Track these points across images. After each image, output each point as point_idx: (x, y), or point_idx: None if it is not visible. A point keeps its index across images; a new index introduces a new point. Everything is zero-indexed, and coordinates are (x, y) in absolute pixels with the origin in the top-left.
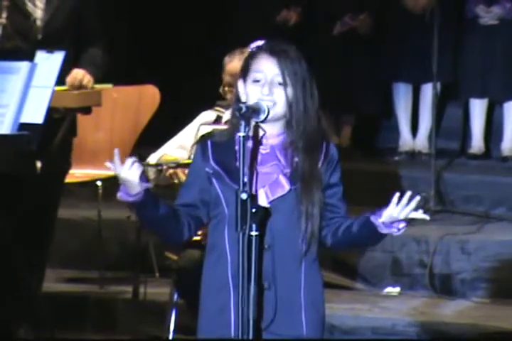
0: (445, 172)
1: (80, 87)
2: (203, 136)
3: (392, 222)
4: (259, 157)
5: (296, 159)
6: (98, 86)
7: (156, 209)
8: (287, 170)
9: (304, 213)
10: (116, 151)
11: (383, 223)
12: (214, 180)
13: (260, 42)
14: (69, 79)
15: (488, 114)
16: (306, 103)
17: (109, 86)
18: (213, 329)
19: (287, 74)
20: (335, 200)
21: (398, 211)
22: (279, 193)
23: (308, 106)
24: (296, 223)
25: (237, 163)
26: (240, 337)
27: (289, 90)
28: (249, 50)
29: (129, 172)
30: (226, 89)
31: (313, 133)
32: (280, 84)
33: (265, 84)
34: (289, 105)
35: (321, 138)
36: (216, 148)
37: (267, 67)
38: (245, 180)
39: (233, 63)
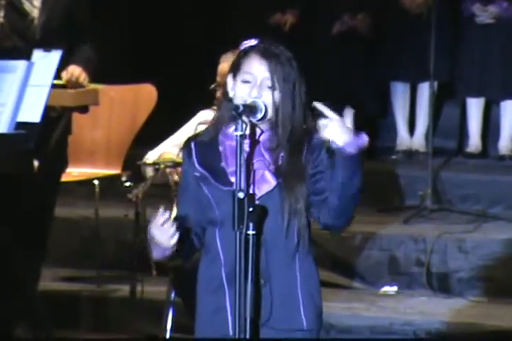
0: (442, 171)
1: (76, 83)
2: (187, 140)
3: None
4: (245, 154)
5: (281, 154)
6: (92, 85)
7: (183, 248)
8: (272, 166)
9: (287, 210)
10: (161, 210)
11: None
12: (201, 183)
13: (253, 42)
14: (66, 75)
15: (485, 113)
16: (294, 105)
17: (101, 86)
18: (211, 329)
19: (277, 80)
20: (323, 183)
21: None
22: (266, 189)
23: (295, 108)
24: (283, 217)
25: (222, 164)
26: (236, 333)
27: (277, 94)
28: (242, 47)
29: (167, 239)
30: (216, 88)
31: (299, 134)
32: (269, 87)
33: (254, 87)
34: (276, 108)
35: (306, 136)
36: (200, 150)
37: (258, 70)
38: (233, 179)
39: (224, 64)
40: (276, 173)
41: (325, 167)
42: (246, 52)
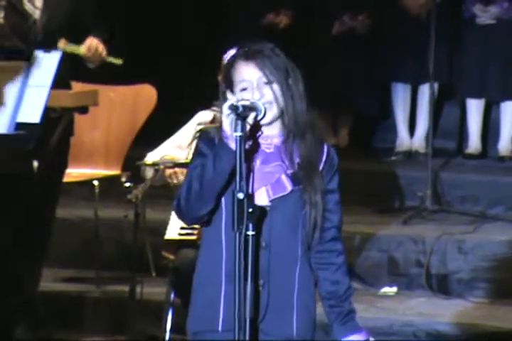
0: (442, 172)
1: (95, 52)
2: (200, 131)
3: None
4: (264, 156)
5: (298, 160)
6: (110, 58)
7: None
8: (290, 171)
9: (307, 201)
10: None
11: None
12: None
13: (233, 51)
14: (85, 45)
15: (485, 114)
16: (293, 89)
17: (120, 62)
18: (201, 323)
19: (270, 73)
20: (331, 205)
21: None
22: (281, 193)
23: (293, 91)
24: (294, 224)
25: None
26: (235, 333)
27: (276, 86)
28: (226, 61)
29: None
30: None
31: (303, 116)
32: (266, 83)
33: (254, 90)
34: (281, 98)
35: (311, 121)
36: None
37: (249, 74)
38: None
39: None
40: (294, 179)
41: (336, 185)
42: (231, 63)
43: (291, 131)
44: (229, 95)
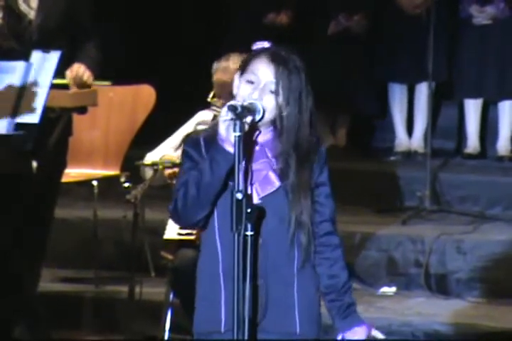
0: (441, 172)
1: (81, 82)
2: (188, 135)
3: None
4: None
5: (285, 156)
6: (97, 82)
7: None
8: (276, 167)
9: (292, 221)
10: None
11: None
12: None
13: (266, 44)
14: (70, 73)
15: (483, 114)
16: (299, 115)
17: (108, 83)
18: (205, 324)
19: (281, 86)
20: (321, 198)
21: None
22: (269, 190)
23: (300, 119)
24: (287, 219)
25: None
26: (234, 333)
27: (280, 100)
28: (254, 47)
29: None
30: (215, 99)
31: (305, 144)
32: (272, 92)
33: (257, 89)
34: (279, 115)
35: (313, 146)
36: (207, 146)
37: (263, 73)
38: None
39: (217, 75)
40: (281, 174)
41: (326, 178)
42: (257, 53)
43: (286, 150)
44: (236, 79)
